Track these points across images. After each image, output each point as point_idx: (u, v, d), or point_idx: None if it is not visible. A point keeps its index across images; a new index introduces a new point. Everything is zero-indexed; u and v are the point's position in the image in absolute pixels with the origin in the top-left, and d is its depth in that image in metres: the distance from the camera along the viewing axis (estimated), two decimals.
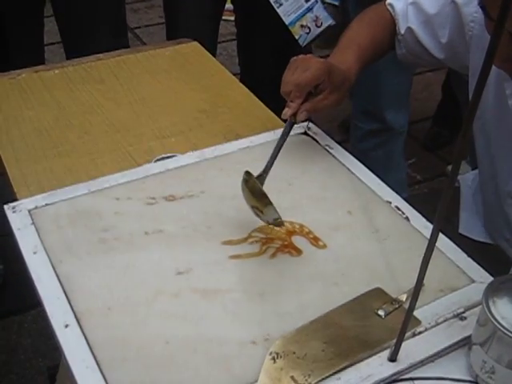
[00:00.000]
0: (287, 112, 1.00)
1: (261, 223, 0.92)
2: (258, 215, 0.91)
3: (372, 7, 1.20)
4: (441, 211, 0.60)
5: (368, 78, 1.74)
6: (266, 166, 0.94)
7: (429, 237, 0.63)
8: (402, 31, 1.13)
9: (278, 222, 0.89)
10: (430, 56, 1.11)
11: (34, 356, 1.73)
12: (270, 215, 0.89)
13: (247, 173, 0.91)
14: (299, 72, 0.99)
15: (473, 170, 1.30)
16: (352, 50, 1.10)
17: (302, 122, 1.04)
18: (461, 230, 1.19)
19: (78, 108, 1.24)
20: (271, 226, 0.91)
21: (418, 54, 1.14)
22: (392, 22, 1.15)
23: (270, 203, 0.88)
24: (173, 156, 1.08)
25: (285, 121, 1.17)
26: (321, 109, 1.02)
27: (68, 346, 0.74)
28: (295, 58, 1.03)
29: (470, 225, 1.19)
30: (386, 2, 1.16)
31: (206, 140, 1.15)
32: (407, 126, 1.94)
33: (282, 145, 0.97)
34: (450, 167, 2.48)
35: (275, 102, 1.26)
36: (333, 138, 1.13)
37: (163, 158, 1.08)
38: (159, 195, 0.98)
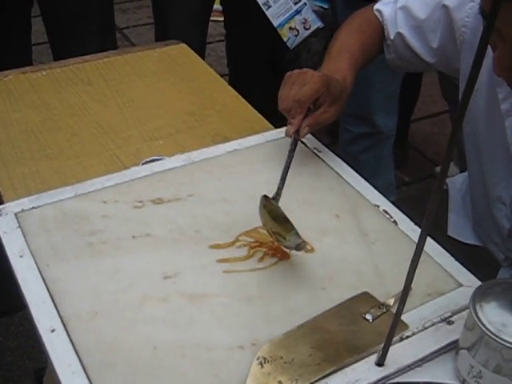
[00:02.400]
0: (290, 130, 0.99)
1: (249, 227, 0.91)
2: (279, 240, 0.86)
3: (359, 12, 1.20)
4: (428, 216, 0.60)
5: (357, 82, 1.74)
6: (278, 188, 0.91)
7: (416, 240, 0.63)
8: (392, 36, 1.13)
9: (301, 247, 0.84)
10: (420, 60, 1.11)
11: (21, 358, 1.71)
12: (294, 241, 0.84)
13: (265, 197, 0.87)
14: (297, 87, 0.97)
15: (461, 172, 1.30)
16: (344, 58, 1.10)
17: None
18: (449, 233, 1.19)
19: (65, 110, 1.24)
20: (293, 250, 0.86)
21: (407, 58, 1.14)
22: (380, 28, 1.15)
23: (293, 228, 0.84)
24: (160, 159, 1.08)
25: (274, 125, 1.17)
26: (322, 122, 1.01)
27: (54, 350, 0.74)
28: (290, 72, 1.01)
29: (459, 227, 1.19)
30: (374, 8, 1.16)
31: (193, 143, 1.15)
32: (396, 128, 1.95)
33: (290, 164, 0.94)
34: (438, 168, 2.48)
35: (264, 104, 1.26)
36: (321, 141, 1.13)
37: (150, 161, 1.07)
38: (146, 198, 0.97)
